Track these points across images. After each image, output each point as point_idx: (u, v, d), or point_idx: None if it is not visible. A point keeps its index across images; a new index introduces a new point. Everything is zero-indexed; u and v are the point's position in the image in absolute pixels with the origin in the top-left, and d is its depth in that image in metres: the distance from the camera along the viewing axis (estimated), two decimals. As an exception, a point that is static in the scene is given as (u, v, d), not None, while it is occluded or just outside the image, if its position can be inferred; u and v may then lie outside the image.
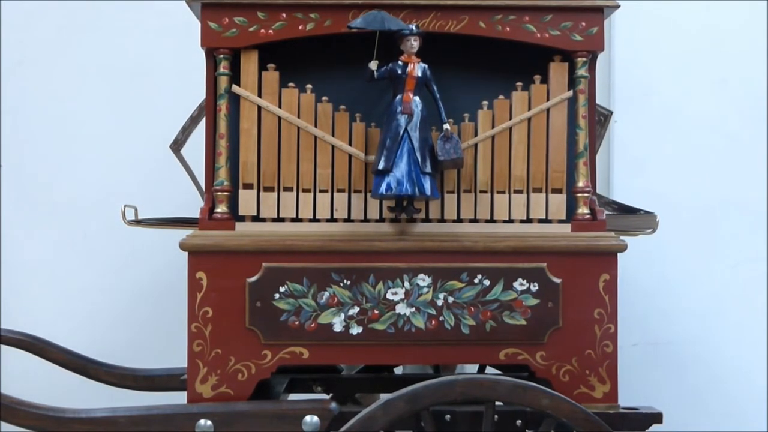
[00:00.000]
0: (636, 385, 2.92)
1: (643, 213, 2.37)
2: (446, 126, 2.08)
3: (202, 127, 2.30)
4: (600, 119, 2.49)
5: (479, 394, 1.96)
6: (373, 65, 2.06)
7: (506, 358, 2.14)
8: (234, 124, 2.17)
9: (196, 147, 2.49)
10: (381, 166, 2.06)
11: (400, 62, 2.09)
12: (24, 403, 2.08)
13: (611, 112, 2.49)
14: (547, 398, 1.94)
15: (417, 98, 2.09)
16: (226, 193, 2.15)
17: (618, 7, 2.18)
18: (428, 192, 2.07)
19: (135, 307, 3.10)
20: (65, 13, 3.12)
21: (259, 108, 2.16)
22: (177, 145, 2.41)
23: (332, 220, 2.16)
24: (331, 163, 2.16)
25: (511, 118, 2.18)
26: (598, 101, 2.28)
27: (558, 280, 2.13)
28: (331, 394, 2.56)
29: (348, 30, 2.09)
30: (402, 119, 2.08)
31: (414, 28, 2.09)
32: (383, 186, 2.06)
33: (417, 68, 2.09)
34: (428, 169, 2.07)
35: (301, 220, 2.16)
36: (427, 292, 2.12)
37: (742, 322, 3.08)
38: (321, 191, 2.16)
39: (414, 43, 2.09)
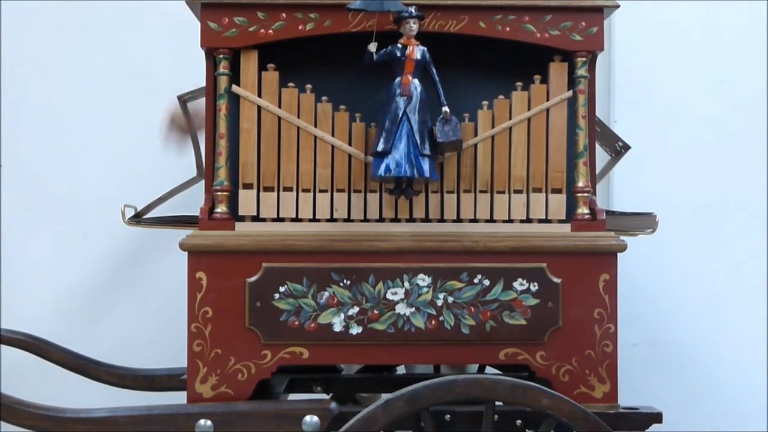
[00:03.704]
0: (636, 385, 2.92)
1: (621, 145, 2.34)
2: (445, 108, 2.08)
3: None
4: (613, 153, 2.46)
5: (479, 394, 1.96)
6: (372, 47, 2.06)
7: (506, 358, 2.14)
8: (234, 124, 2.16)
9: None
10: (380, 147, 2.06)
11: (399, 45, 2.09)
12: (24, 403, 2.08)
13: (629, 147, 2.44)
14: (547, 398, 1.94)
15: (416, 81, 2.09)
16: (225, 193, 2.15)
17: (618, 7, 2.18)
18: (427, 174, 2.06)
19: (135, 307, 3.10)
20: (65, 13, 3.12)
21: (259, 108, 2.16)
22: (138, 216, 2.41)
23: (332, 220, 2.16)
24: (331, 163, 2.16)
25: (510, 118, 2.18)
26: (598, 102, 2.28)
27: (558, 280, 2.13)
28: (331, 394, 2.56)
29: (348, 24, 2.09)
30: (401, 101, 2.07)
31: (413, 10, 2.08)
32: (382, 168, 2.05)
33: (416, 51, 2.08)
34: (427, 151, 2.07)
35: (301, 220, 2.16)
36: (427, 292, 2.12)
37: (742, 322, 3.09)
38: (321, 191, 2.16)
39: (413, 26, 2.08)
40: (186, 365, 2.11)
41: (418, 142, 2.06)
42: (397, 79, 2.08)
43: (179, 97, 2.53)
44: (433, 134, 2.08)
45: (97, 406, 2.10)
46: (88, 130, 3.11)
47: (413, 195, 2.12)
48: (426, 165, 2.06)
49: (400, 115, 2.06)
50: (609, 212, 2.35)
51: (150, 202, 2.41)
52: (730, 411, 3.08)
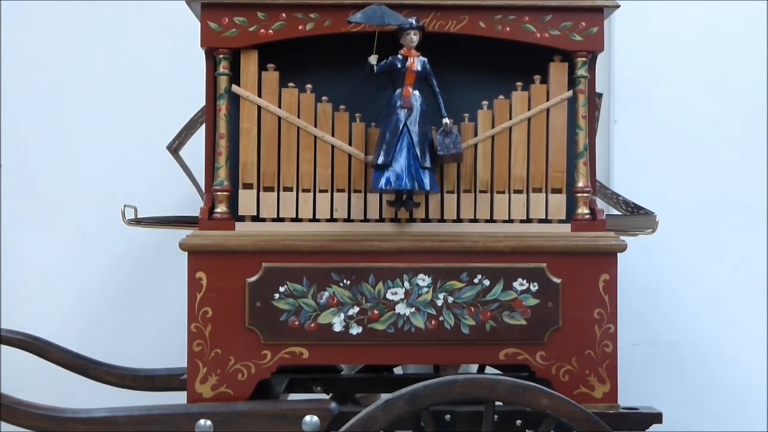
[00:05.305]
0: (636, 385, 2.92)
1: (644, 212, 2.37)
2: (446, 120, 2.08)
3: (201, 127, 2.30)
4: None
5: (479, 394, 1.96)
6: (373, 59, 2.06)
7: (506, 358, 2.14)
8: (234, 124, 2.17)
9: (196, 147, 2.49)
10: (380, 160, 2.06)
11: (399, 56, 2.09)
12: (24, 403, 2.08)
13: (601, 94, 2.47)
14: (547, 398, 1.94)
15: (417, 92, 2.09)
16: (225, 193, 2.15)
17: (618, 7, 2.18)
18: (427, 187, 2.06)
19: (135, 307, 3.10)
20: (65, 13, 3.12)
21: (259, 108, 2.16)
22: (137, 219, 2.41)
23: (332, 220, 2.16)
24: (331, 163, 2.16)
25: (511, 118, 2.18)
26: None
27: (558, 280, 2.13)
28: (330, 394, 2.56)
29: (348, 24, 2.09)
30: (401, 113, 2.07)
31: (413, 22, 2.08)
32: (383, 180, 2.05)
33: (417, 62, 2.09)
34: (427, 163, 2.07)
35: (300, 220, 2.16)
36: (427, 292, 2.12)
37: (742, 322, 3.08)
38: (321, 191, 2.16)
39: (414, 37, 2.08)
40: (186, 365, 2.11)
41: (419, 154, 2.06)
42: (398, 91, 2.08)
43: (168, 147, 2.50)
44: (433, 146, 2.08)
45: (97, 406, 2.10)
46: (88, 131, 3.11)
47: (413, 207, 2.12)
48: (426, 178, 2.06)
49: (400, 128, 2.06)
50: (613, 196, 2.35)
51: (150, 216, 2.41)
52: (730, 411, 3.07)
